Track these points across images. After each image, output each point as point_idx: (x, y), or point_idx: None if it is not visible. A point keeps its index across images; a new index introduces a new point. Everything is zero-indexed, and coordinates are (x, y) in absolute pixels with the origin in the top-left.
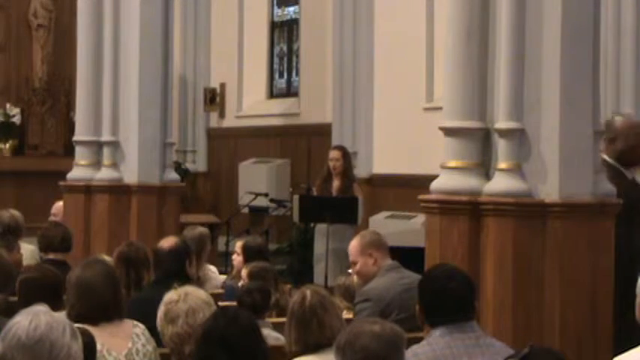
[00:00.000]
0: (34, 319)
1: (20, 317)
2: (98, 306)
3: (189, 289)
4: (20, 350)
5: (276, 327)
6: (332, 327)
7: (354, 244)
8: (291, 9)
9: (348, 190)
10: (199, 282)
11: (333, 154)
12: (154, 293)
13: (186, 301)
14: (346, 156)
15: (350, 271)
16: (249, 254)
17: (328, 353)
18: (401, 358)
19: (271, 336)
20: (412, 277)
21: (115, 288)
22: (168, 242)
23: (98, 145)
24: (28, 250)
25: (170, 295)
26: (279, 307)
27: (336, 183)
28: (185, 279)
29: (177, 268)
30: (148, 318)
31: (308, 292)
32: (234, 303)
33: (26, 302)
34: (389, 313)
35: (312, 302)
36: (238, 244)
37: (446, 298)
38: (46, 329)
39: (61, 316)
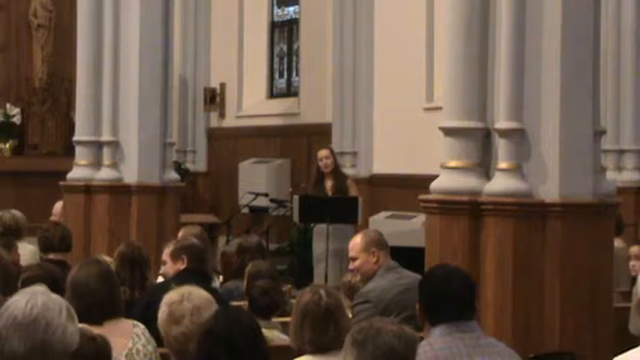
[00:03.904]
0: (31, 299)
1: (18, 297)
2: (94, 305)
3: (190, 288)
4: (16, 329)
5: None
6: (346, 330)
7: (356, 241)
8: (291, 9)
9: (343, 185)
10: None
11: (322, 153)
12: None
13: (190, 300)
14: (334, 154)
15: (350, 267)
16: (244, 255)
17: (336, 355)
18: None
19: (280, 338)
20: (411, 277)
21: (112, 287)
22: None
23: (98, 145)
24: (29, 251)
25: (170, 296)
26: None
27: (329, 182)
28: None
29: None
30: None
31: (323, 292)
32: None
33: None
34: (388, 315)
35: (329, 303)
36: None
37: (446, 298)
38: (43, 309)
39: (59, 297)
